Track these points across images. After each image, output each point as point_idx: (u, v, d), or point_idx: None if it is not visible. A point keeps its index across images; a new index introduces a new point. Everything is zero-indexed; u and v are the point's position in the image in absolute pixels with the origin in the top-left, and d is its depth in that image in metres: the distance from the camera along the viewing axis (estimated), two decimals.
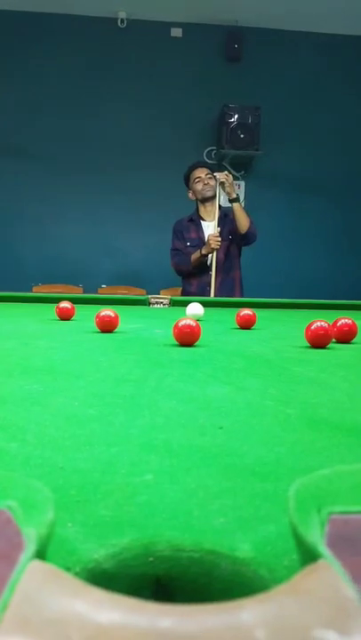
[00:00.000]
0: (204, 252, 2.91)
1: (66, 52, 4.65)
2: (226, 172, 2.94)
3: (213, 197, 3.03)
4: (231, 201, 2.89)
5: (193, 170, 3.11)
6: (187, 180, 3.13)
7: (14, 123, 4.65)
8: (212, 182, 3.02)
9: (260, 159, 4.65)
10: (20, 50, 4.62)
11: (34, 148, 4.67)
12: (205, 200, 3.06)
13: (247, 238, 2.97)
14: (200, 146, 4.80)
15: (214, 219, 2.98)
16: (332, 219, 4.91)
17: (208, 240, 2.87)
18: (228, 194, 2.88)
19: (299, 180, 4.85)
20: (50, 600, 0.15)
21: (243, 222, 2.91)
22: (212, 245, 2.84)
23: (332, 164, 4.90)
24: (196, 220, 3.12)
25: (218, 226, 2.97)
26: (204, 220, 3.11)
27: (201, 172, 3.07)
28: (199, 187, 3.05)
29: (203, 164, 3.19)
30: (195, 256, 2.96)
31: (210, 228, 3.03)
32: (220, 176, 2.88)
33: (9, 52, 4.62)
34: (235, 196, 2.88)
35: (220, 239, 2.86)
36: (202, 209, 3.12)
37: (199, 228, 3.09)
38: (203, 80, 4.76)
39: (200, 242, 3.03)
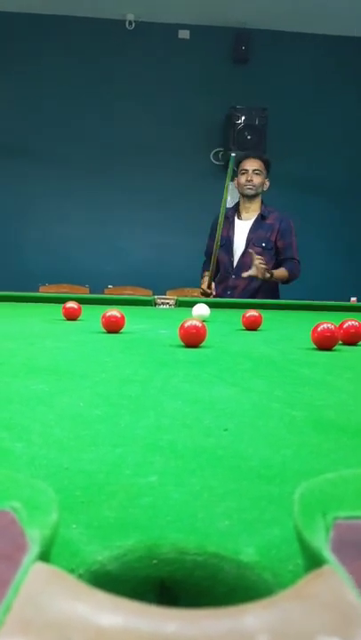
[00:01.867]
0: (244, 275, 2.63)
1: (74, 54, 4.67)
2: (260, 259, 2.59)
3: (255, 196, 2.81)
4: (266, 280, 2.64)
5: (243, 159, 2.83)
6: (237, 167, 2.84)
7: (21, 124, 4.68)
8: (257, 179, 2.76)
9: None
10: (27, 51, 4.64)
11: (40, 149, 4.69)
12: (245, 196, 2.82)
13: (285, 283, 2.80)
14: (207, 147, 4.80)
15: (250, 219, 2.79)
16: (339, 220, 4.90)
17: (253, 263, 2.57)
18: (256, 276, 2.60)
19: (306, 181, 4.84)
20: (52, 602, 0.15)
21: (284, 282, 2.76)
22: (253, 273, 2.58)
23: (339, 166, 4.88)
24: (230, 217, 2.86)
25: (251, 231, 2.76)
26: (240, 216, 2.87)
27: (250, 164, 2.78)
28: (242, 180, 2.79)
29: (257, 155, 2.87)
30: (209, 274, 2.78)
31: (242, 227, 2.82)
32: (256, 261, 2.57)
33: (16, 54, 4.65)
34: (267, 276, 2.60)
35: (263, 265, 2.58)
36: (241, 203, 2.88)
37: (231, 226, 2.84)
38: (210, 81, 4.76)
39: (228, 242, 2.81)
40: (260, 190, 2.80)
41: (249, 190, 2.78)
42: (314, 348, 1.10)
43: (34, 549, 0.18)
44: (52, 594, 0.15)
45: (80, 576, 0.24)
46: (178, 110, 4.77)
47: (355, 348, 1.15)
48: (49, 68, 4.66)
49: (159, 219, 4.77)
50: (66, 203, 4.73)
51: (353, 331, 1.18)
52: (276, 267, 2.75)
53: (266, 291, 2.77)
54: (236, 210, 2.90)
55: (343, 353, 1.06)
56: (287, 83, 4.82)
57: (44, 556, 0.19)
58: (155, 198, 4.76)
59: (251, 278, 2.69)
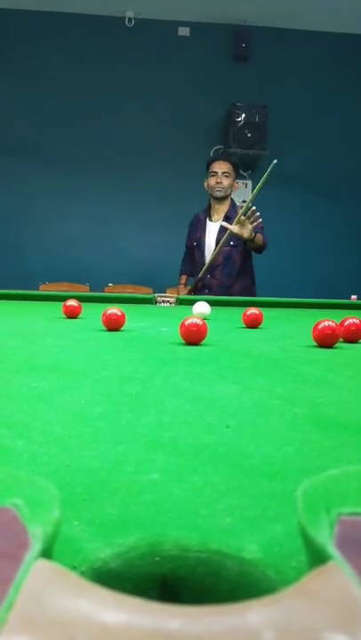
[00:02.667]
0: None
1: (73, 51, 4.66)
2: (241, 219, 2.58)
3: (225, 198, 2.87)
4: (250, 241, 2.66)
5: (213, 161, 2.89)
6: (207, 168, 2.91)
7: (20, 122, 4.67)
8: (226, 182, 2.82)
9: (267, 158, 4.63)
10: (25, 48, 4.63)
11: (41, 147, 4.68)
12: (215, 198, 2.88)
13: (256, 251, 2.82)
14: (207, 145, 4.79)
15: (220, 220, 2.82)
16: (340, 218, 4.89)
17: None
18: (241, 236, 2.61)
19: (306, 179, 4.84)
20: (55, 600, 0.14)
21: (258, 247, 2.74)
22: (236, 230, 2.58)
23: (340, 163, 4.88)
24: (203, 219, 2.96)
25: (220, 232, 2.79)
26: (211, 218, 2.92)
27: (219, 167, 2.83)
28: (211, 182, 2.85)
29: (225, 158, 2.93)
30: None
31: (213, 228, 2.88)
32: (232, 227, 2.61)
33: (15, 51, 4.64)
34: (249, 236, 2.60)
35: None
36: (212, 205, 2.94)
37: (203, 228, 2.93)
38: (210, 79, 4.76)
39: (200, 243, 2.91)
40: (228, 192, 2.87)
41: (218, 192, 2.84)
42: (315, 346, 1.10)
43: (36, 546, 0.18)
44: (55, 591, 0.15)
45: (82, 573, 0.24)
46: (178, 108, 4.76)
47: (355, 345, 1.15)
48: (47, 65, 4.65)
49: (159, 217, 4.77)
50: (66, 201, 4.72)
51: (354, 328, 1.18)
52: (245, 262, 2.85)
53: (241, 287, 2.86)
54: (207, 212, 2.98)
55: (344, 350, 1.06)
56: (287, 80, 4.81)
57: (47, 554, 0.19)
58: (155, 196, 4.76)
59: (223, 276, 2.81)
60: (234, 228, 2.58)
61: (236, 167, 2.90)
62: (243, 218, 2.55)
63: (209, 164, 2.90)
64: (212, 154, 4.79)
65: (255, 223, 2.55)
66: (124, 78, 4.73)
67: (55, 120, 4.68)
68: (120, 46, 4.70)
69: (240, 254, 2.82)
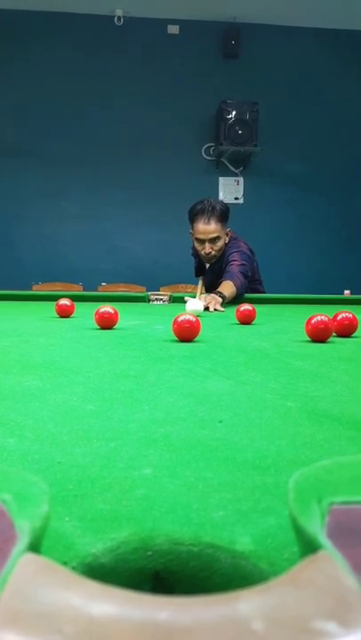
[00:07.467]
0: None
1: (63, 50, 4.63)
2: (211, 297, 2.07)
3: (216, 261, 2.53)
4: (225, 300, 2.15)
5: (197, 219, 2.43)
6: (189, 218, 2.50)
7: (12, 121, 4.64)
8: (216, 247, 2.44)
9: (258, 155, 4.64)
10: (16, 48, 4.61)
11: (32, 146, 4.66)
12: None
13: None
14: (198, 142, 4.79)
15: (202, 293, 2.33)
16: (331, 214, 4.90)
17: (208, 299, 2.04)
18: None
19: (297, 176, 4.84)
20: (42, 593, 0.14)
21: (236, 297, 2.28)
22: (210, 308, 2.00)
23: (331, 160, 4.88)
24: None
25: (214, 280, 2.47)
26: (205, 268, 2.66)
27: (204, 231, 2.40)
28: (199, 248, 2.49)
29: (210, 214, 2.39)
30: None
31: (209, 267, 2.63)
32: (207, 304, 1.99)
33: (5, 51, 4.61)
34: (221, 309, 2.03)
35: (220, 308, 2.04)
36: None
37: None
38: (200, 76, 4.75)
39: (199, 259, 2.69)
40: (221, 252, 2.49)
41: (209, 261, 2.53)
42: (308, 341, 1.10)
43: (23, 540, 0.18)
44: (42, 584, 0.15)
45: (73, 569, 0.24)
46: (168, 106, 4.75)
47: (349, 339, 1.15)
48: (36, 65, 4.62)
49: (152, 215, 4.76)
50: (58, 201, 4.70)
51: (347, 322, 1.18)
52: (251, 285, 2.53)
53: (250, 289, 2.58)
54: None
55: (337, 345, 1.06)
56: (278, 77, 4.81)
57: (35, 548, 0.19)
58: (147, 195, 4.75)
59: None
60: (204, 302, 1.98)
61: (224, 214, 2.43)
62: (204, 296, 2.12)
63: (192, 219, 2.47)
64: (203, 152, 4.77)
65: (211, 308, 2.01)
66: (115, 77, 4.71)
67: (46, 119, 4.65)
68: (110, 45, 4.68)
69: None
